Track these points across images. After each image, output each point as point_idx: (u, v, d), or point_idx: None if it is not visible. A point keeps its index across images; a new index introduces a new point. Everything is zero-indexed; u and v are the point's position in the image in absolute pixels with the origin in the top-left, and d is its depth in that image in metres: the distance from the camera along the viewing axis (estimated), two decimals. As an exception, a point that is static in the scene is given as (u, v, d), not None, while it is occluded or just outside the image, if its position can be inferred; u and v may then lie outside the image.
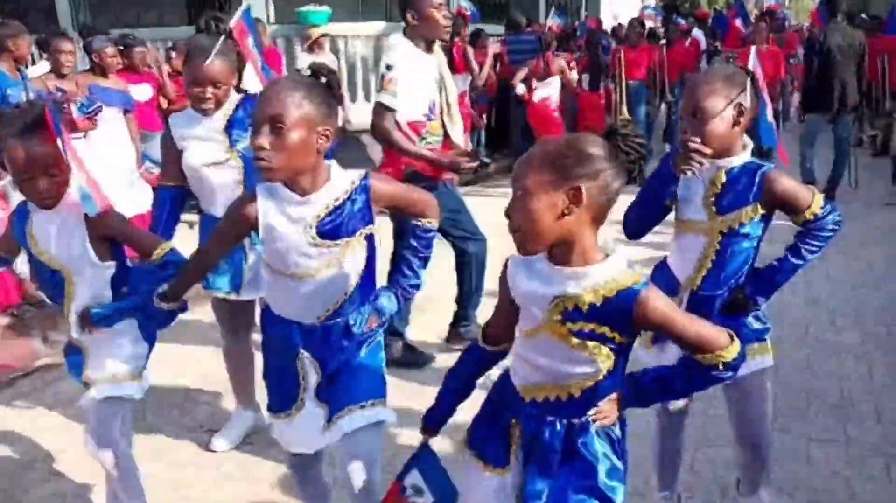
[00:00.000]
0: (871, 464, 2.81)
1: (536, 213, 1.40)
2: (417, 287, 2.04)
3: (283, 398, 1.99)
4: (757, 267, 2.07)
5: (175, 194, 2.74)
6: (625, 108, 7.89)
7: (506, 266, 1.60)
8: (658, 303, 1.43)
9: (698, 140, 1.89)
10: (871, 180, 7.21)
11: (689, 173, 1.93)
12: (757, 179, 1.93)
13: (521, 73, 7.96)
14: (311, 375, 1.94)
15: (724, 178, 1.96)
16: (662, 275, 2.11)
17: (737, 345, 1.47)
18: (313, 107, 1.73)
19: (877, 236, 5.70)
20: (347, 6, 8.81)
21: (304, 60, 7.10)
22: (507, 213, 1.46)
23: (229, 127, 2.64)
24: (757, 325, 2.07)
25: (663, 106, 9.50)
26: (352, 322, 1.91)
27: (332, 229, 1.80)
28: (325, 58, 7.26)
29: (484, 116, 8.99)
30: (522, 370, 1.59)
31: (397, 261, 2.08)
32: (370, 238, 1.89)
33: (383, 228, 2.20)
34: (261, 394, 2.88)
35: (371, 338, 1.96)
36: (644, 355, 2.09)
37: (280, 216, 1.81)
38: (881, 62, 7.94)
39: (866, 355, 3.76)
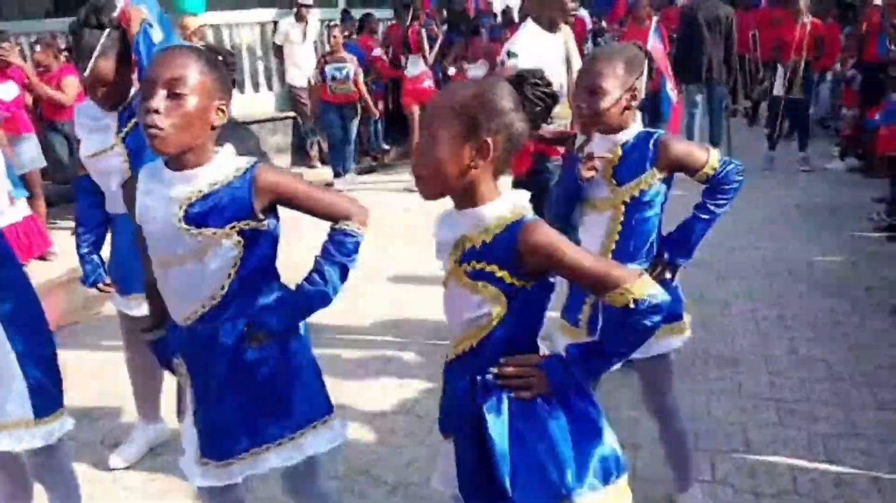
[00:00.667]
0: (763, 411, 3.01)
1: (442, 163, 1.38)
2: (325, 298, 1.72)
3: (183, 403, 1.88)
4: (670, 232, 2.14)
5: (91, 183, 2.59)
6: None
7: None
8: (543, 230, 1.38)
9: (593, 164, 2.01)
10: (747, 148, 7.64)
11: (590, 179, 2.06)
12: (651, 145, 2.03)
13: (451, 55, 8.12)
14: (187, 388, 1.78)
15: (619, 152, 2.05)
16: None
17: (646, 280, 1.38)
18: (213, 77, 1.62)
19: (754, 199, 6.06)
20: (229, -8, 8.50)
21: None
22: (413, 157, 1.43)
23: (123, 112, 2.50)
24: (675, 301, 2.08)
25: None
26: (222, 334, 1.69)
27: (200, 215, 1.62)
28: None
29: (380, 104, 8.91)
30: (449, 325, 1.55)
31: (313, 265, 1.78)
32: (252, 236, 1.66)
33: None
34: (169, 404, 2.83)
35: (273, 360, 1.72)
36: None
37: (155, 195, 1.67)
38: (752, 36, 8.39)
39: (753, 310, 4.01)
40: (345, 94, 7.30)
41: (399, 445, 2.88)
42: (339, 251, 1.72)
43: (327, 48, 8.74)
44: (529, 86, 1.41)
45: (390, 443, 2.90)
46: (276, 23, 8.24)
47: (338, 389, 3.14)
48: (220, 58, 1.71)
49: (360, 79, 7.35)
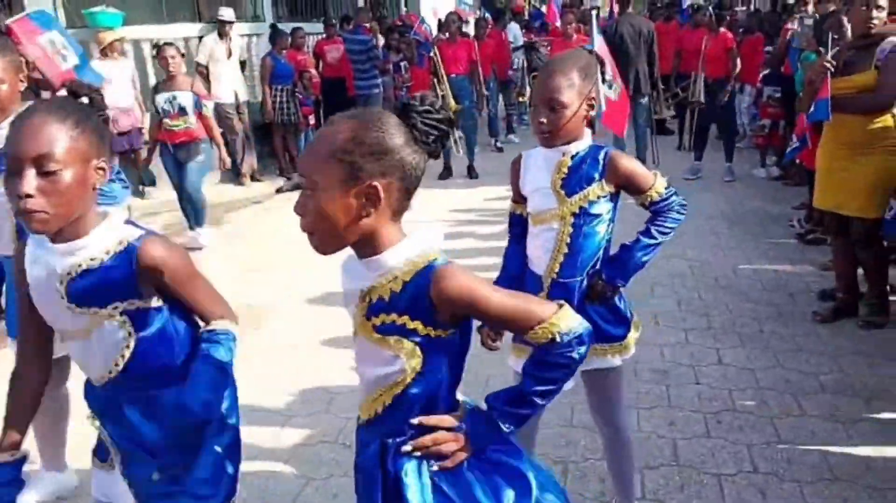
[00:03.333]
0: (691, 424, 3.02)
1: (328, 217, 1.23)
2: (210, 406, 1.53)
3: (102, 446, 1.75)
4: (613, 254, 2.12)
5: None
6: (451, 102, 7.99)
7: None
8: (458, 276, 1.26)
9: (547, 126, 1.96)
10: (672, 158, 7.81)
11: None
12: (601, 159, 2.01)
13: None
14: (112, 445, 1.69)
15: (569, 163, 2.01)
16: (529, 276, 2.14)
17: (567, 312, 1.30)
18: (85, 136, 1.44)
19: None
20: (150, 8, 8.24)
21: (96, 67, 6.52)
22: (297, 212, 1.27)
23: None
24: (607, 330, 2.10)
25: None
26: (126, 403, 1.60)
27: (82, 291, 1.49)
28: (120, 64, 6.74)
29: (311, 118, 8.80)
30: (360, 386, 1.42)
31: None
32: (140, 317, 1.54)
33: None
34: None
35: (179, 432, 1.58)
36: None
37: (41, 266, 1.52)
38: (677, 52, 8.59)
39: (682, 321, 4.05)
40: (184, 132, 5.61)
41: (325, 476, 2.77)
42: (217, 353, 1.56)
43: (256, 62, 8.60)
44: (417, 115, 1.27)
45: (316, 475, 2.78)
46: (200, 38, 8.03)
47: (267, 419, 3.08)
48: (87, 101, 1.56)
49: (208, 111, 5.84)
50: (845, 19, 4.03)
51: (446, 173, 8.05)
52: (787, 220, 5.75)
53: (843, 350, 3.60)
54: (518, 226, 2.19)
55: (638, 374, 3.45)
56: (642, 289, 4.51)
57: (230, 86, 7.90)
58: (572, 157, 2.01)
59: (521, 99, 11.24)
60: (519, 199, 2.17)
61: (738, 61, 7.23)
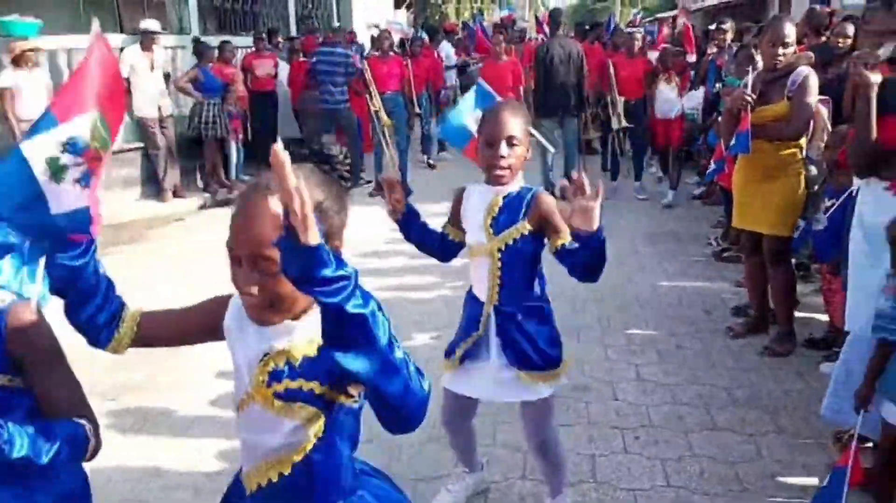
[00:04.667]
0: (609, 440, 3.07)
1: (288, 292, 1.16)
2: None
3: None
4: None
5: None
6: (385, 117, 7.98)
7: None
8: None
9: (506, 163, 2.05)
10: (600, 178, 8.00)
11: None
12: (527, 199, 2.13)
13: None
14: None
15: (500, 203, 2.14)
16: (470, 298, 2.30)
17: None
18: None
19: (604, 229, 6.34)
20: (68, 17, 7.97)
21: (7, 77, 6.27)
22: (250, 292, 1.19)
23: None
24: (546, 356, 2.23)
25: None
26: None
27: None
28: (34, 74, 6.47)
29: (239, 132, 8.65)
30: (243, 453, 1.35)
31: None
32: (5, 396, 1.42)
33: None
34: None
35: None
36: None
37: None
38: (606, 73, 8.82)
39: (602, 338, 4.14)
40: None
41: None
42: (73, 444, 1.38)
43: (179, 75, 8.41)
44: (329, 161, 1.27)
45: None
46: (121, 49, 7.80)
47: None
48: None
49: None
50: (756, 52, 4.23)
51: (378, 190, 8.03)
52: (706, 238, 5.96)
53: (753, 364, 3.74)
54: (443, 243, 2.32)
55: (560, 391, 3.48)
56: (564, 305, 4.59)
57: (153, 99, 7.70)
58: (504, 198, 2.14)
59: (454, 117, 11.36)
60: (455, 223, 2.30)
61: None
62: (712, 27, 7.69)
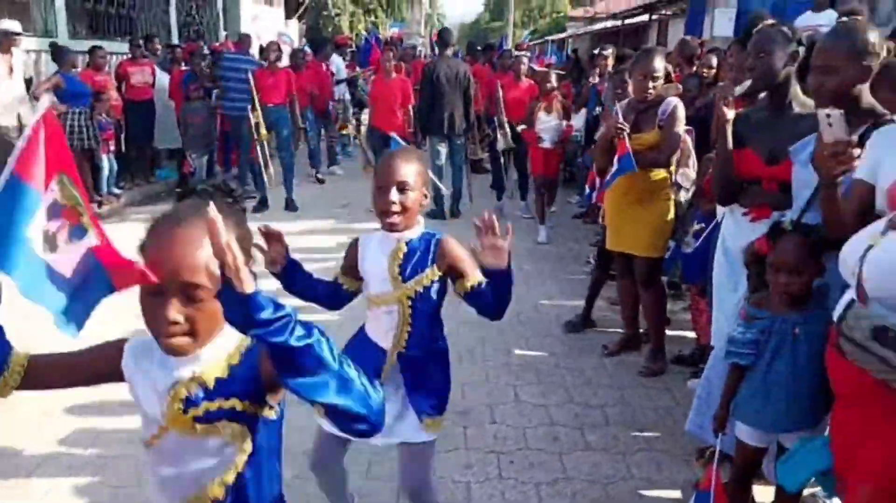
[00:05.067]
0: (485, 465, 3.05)
1: (216, 323, 1.24)
2: None
3: None
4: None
5: None
6: (263, 131, 7.76)
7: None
8: None
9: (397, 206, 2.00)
10: (490, 196, 8.09)
11: None
12: (432, 246, 2.10)
13: None
14: None
15: (405, 249, 2.09)
16: (365, 344, 2.20)
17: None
18: None
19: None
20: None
21: None
22: (176, 328, 1.22)
23: None
24: (444, 401, 2.24)
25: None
26: None
27: None
28: None
29: (111, 143, 8.18)
30: (163, 493, 1.36)
31: None
32: None
33: None
34: None
35: None
36: None
37: None
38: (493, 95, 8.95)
39: (484, 359, 4.14)
40: None
41: None
42: None
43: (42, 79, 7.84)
44: (226, 192, 1.34)
45: None
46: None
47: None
48: None
49: None
50: (629, 78, 4.38)
51: (261, 206, 7.78)
52: (586, 256, 6.13)
53: (626, 382, 3.85)
54: (336, 293, 2.22)
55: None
56: (448, 326, 4.56)
57: (11, 107, 7.12)
58: (407, 243, 2.09)
59: (343, 131, 11.22)
60: (350, 273, 2.20)
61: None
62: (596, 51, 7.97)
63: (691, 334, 4.28)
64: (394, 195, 2.02)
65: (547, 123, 6.52)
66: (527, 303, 5.06)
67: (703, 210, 3.74)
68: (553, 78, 6.66)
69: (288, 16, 19.32)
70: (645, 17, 15.67)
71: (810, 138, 2.26)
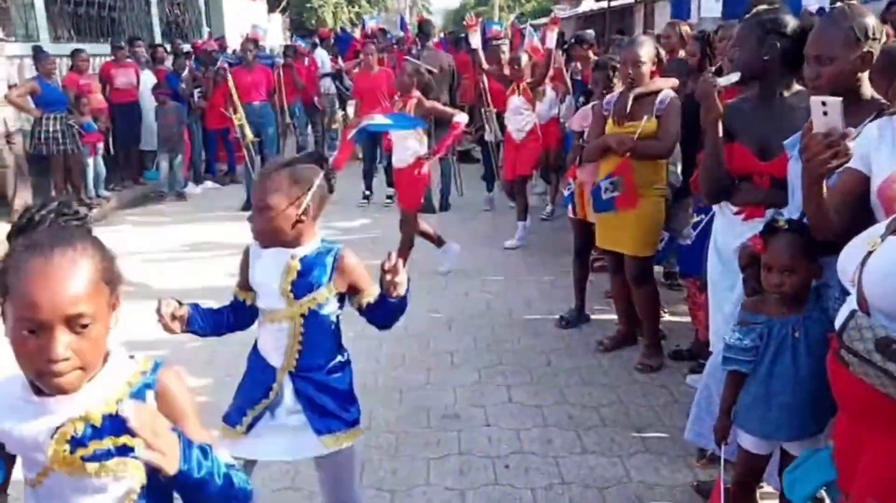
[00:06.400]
0: (480, 471, 2.99)
1: (102, 347, 1.25)
2: None
3: None
4: None
5: None
6: (248, 133, 7.66)
7: None
8: (177, 378, 1.33)
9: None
10: (479, 186, 8.00)
11: None
12: (329, 260, 2.00)
13: None
14: None
15: (298, 266, 1.99)
16: (257, 361, 2.11)
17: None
18: None
19: (479, 242, 6.34)
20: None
21: None
22: (62, 362, 1.17)
23: None
24: (348, 415, 2.10)
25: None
26: None
27: None
28: None
29: (99, 146, 8.09)
30: None
31: None
32: None
33: None
34: None
35: None
36: None
37: None
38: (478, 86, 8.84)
39: (476, 359, 4.07)
40: None
41: None
42: None
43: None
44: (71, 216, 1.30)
45: None
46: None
47: None
48: None
49: None
50: (614, 75, 4.27)
51: (248, 205, 7.67)
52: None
53: (621, 380, 3.78)
54: (236, 311, 2.15)
55: (430, 421, 3.40)
56: (439, 326, 4.53)
57: (-7, 112, 7.04)
58: (301, 260, 2.00)
59: (333, 126, 11.11)
60: (245, 286, 2.11)
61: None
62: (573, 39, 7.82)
63: (687, 320, 4.23)
64: (256, 217, 1.95)
65: (517, 105, 6.12)
66: (518, 300, 5.00)
67: (703, 201, 3.66)
68: (524, 60, 6.21)
69: (271, 9, 19.12)
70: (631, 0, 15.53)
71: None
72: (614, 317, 4.34)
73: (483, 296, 5.09)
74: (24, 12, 8.67)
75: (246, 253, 2.11)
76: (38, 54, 7.55)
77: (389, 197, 8.07)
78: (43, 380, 1.17)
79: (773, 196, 2.47)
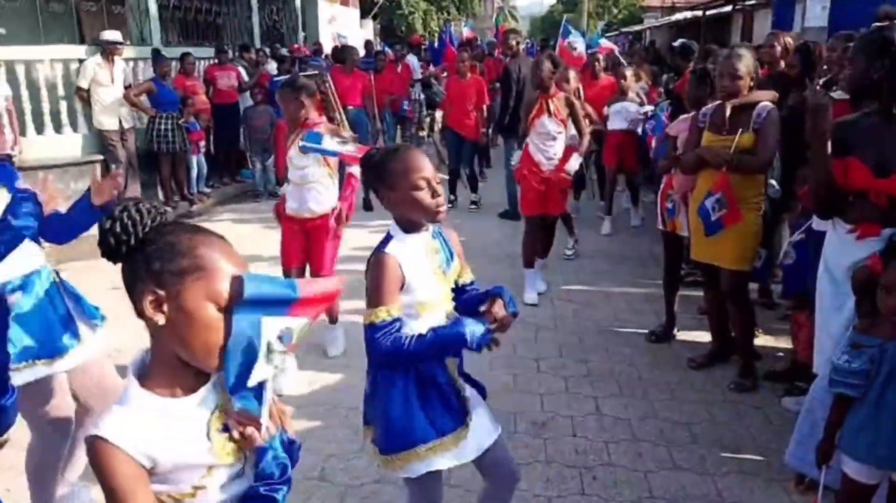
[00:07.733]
0: (567, 481, 3.00)
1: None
2: None
3: None
4: None
5: None
6: (350, 132, 7.86)
7: None
8: None
9: None
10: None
11: None
12: (441, 232, 2.02)
13: None
14: None
15: (436, 244, 2.01)
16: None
17: None
18: None
19: (560, 251, 6.29)
20: (26, 28, 7.75)
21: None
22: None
23: None
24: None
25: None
26: None
27: None
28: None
29: (201, 143, 8.53)
30: None
31: None
32: None
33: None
34: None
35: None
36: None
37: None
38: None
39: (562, 367, 4.08)
40: None
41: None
42: None
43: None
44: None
45: None
46: (81, 61, 7.59)
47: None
48: None
49: None
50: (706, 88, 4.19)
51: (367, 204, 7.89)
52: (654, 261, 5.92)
53: (713, 398, 3.71)
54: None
55: (517, 427, 3.42)
56: (526, 333, 4.54)
57: (113, 111, 7.53)
58: (433, 236, 2.02)
59: (420, 133, 11.28)
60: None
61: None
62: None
63: (784, 345, 4.10)
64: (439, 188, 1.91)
65: (547, 137, 5.11)
66: (606, 310, 4.96)
67: (802, 219, 3.55)
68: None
69: (363, 16, 19.57)
70: (728, 8, 15.05)
71: None
72: (704, 333, 4.26)
73: (569, 304, 5.08)
74: (140, 19, 9.21)
75: (389, 262, 1.91)
76: (157, 57, 8.04)
77: (474, 202, 8.16)
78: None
79: (890, 215, 2.39)
